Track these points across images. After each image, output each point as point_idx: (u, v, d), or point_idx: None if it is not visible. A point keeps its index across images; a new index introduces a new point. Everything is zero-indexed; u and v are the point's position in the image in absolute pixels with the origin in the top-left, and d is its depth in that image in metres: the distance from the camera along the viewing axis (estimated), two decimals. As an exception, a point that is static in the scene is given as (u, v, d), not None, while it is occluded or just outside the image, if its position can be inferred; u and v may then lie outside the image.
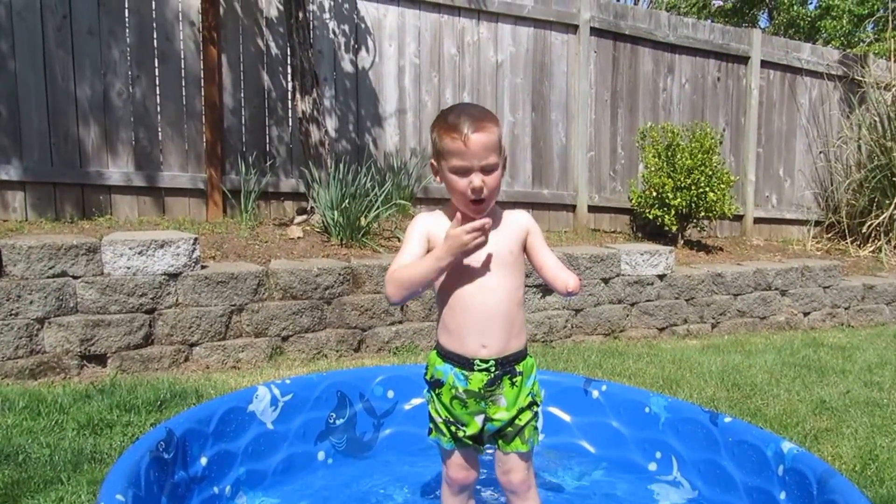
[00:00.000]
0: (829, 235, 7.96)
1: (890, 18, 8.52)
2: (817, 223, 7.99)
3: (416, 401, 2.85)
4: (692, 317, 5.36)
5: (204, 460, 2.24)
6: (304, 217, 5.06)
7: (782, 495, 2.20)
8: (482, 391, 1.93)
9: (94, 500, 2.18)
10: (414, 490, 2.48)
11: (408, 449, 2.76)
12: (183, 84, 5.03)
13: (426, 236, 1.94)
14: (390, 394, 2.85)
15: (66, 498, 2.20)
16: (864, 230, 7.56)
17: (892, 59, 8.04)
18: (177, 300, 3.74)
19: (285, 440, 2.55)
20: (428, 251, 1.92)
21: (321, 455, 2.65)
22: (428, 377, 2.01)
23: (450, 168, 1.85)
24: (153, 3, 4.89)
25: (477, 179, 1.83)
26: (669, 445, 2.65)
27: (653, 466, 2.68)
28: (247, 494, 2.34)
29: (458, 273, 1.90)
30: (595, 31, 6.56)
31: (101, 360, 3.58)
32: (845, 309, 6.08)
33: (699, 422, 2.58)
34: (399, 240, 4.93)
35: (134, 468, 1.85)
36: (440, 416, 1.99)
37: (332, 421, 2.71)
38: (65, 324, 3.48)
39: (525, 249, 2.00)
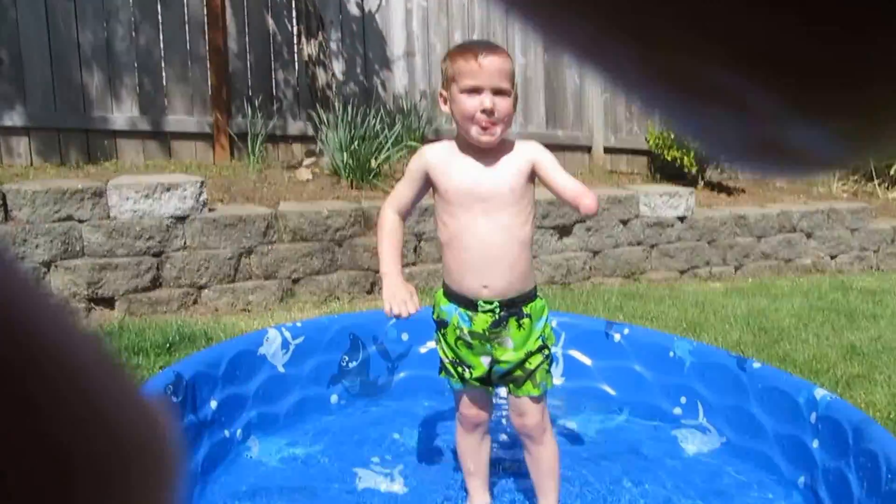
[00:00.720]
0: (856, 177, 7.75)
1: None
2: (843, 164, 7.77)
3: (432, 343, 2.77)
4: (714, 259, 5.25)
5: (214, 404, 2.22)
6: (313, 159, 4.99)
7: (815, 443, 2.14)
8: (487, 332, 1.89)
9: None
10: (428, 432, 2.46)
11: (423, 392, 2.71)
12: (186, 29, 4.92)
13: (423, 173, 1.91)
14: (405, 336, 2.81)
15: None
16: (892, 172, 7.34)
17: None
18: (184, 243, 3.70)
19: (297, 383, 2.53)
20: (426, 186, 1.92)
21: (334, 398, 2.63)
22: (434, 317, 2.00)
23: (461, 88, 1.78)
24: (152, -58, 4.76)
25: (488, 100, 1.76)
26: (695, 390, 2.60)
27: (677, 411, 2.63)
28: (258, 438, 2.32)
29: (455, 212, 1.86)
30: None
31: (108, 302, 3.56)
32: (874, 252, 5.94)
33: (726, 367, 2.53)
34: (411, 182, 4.85)
35: None
36: (447, 357, 1.98)
37: (344, 364, 2.68)
38: (71, 267, 3.45)
39: (539, 179, 1.91)
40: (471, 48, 1.85)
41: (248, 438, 2.29)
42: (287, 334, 2.53)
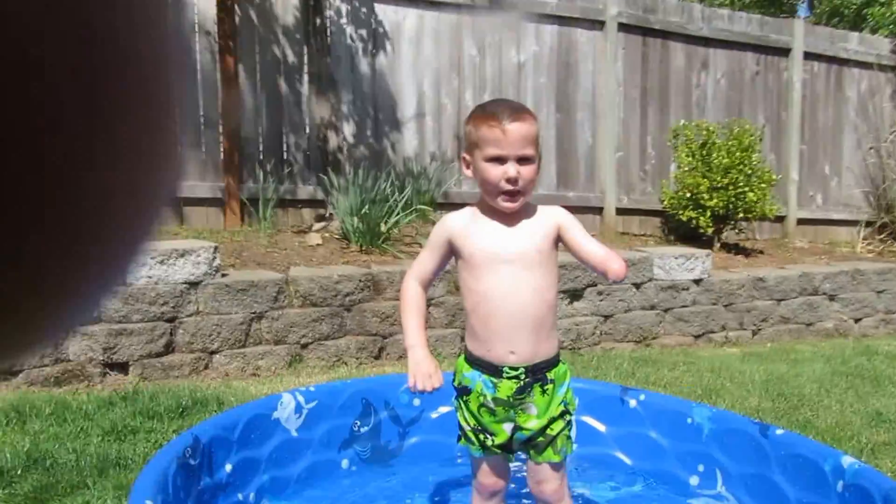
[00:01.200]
0: (882, 236, 7.97)
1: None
2: (868, 224, 7.99)
3: (443, 409, 2.95)
4: (731, 323, 5.46)
5: (229, 467, 2.39)
6: (323, 224, 5.31)
7: None
8: (511, 399, 1.96)
9: None
10: (440, 499, 2.60)
11: (434, 458, 2.87)
12: (200, 94, 5.32)
13: (447, 242, 2.01)
14: (416, 402, 2.96)
15: (93, 502, 2.40)
16: (920, 230, 7.57)
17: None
18: (197, 308, 3.99)
19: (309, 447, 2.70)
20: (449, 255, 2.03)
21: (345, 463, 2.79)
22: (455, 384, 2.07)
23: (484, 157, 1.89)
24: (169, 12, 5.19)
25: (512, 169, 1.86)
26: (713, 458, 2.66)
27: (694, 480, 2.69)
28: (270, 501, 2.49)
29: (481, 276, 1.95)
30: (623, 27, 6.73)
31: (123, 367, 3.83)
32: (901, 314, 6.13)
33: (748, 433, 2.58)
34: (420, 246, 5.13)
35: (162, 474, 2.00)
36: (468, 424, 2.04)
37: (356, 429, 2.84)
38: (88, 333, 3.74)
39: (564, 244, 2.01)
40: (495, 113, 1.90)
41: (260, 502, 2.48)
42: (301, 398, 2.74)
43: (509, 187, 1.87)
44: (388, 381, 3.09)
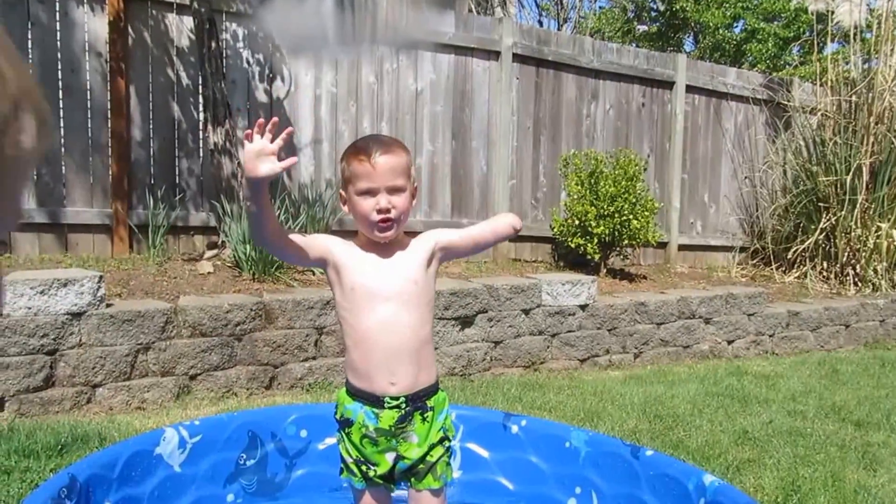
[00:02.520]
0: (755, 262, 8.54)
1: (815, 42, 9.25)
2: (742, 249, 8.56)
3: (331, 440, 2.98)
4: (615, 347, 5.75)
5: None
6: (215, 252, 5.29)
7: None
8: (393, 428, 2.02)
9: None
10: None
11: (321, 489, 2.93)
12: (89, 117, 5.23)
13: (327, 250, 2.05)
14: (303, 433, 3.01)
15: (-37, 545, 2.38)
16: (789, 256, 8.14)
17: (818, 82, 8.75)
18: (80, 340, 3.92)
19: (193, 483, 2.70)
20: (321, 257, 2.06)
21: (230, 497, 2.80)
22: (338, 416, 2.11)
23: (357, 191, 1.99)
24: (58, 34, 5.09)
25: (384, 200, 1.96)
26: (590, 480, 2.80)
27: (572, 502, 2.82)
28: None
29: (361, 313, 2.01)
30: (518, 58, 7.00)
31: (-2, 404, 3.73)
32: (770, 336, 6.54)
33: (620, 455, 2.74)
34: (313, 273, 5.20)
35: None
36: (350, 456, 2.09)
37: (242, 462, 2.86)
38: (-40, 368, 3.63)
39: (454, 252, 2.18)
40: (364, 148, 1.99)
41: (142, 541, 2.50)
42: (185, 433, 2.74)
43: (380, 217, 1.97)
44: (275, 412, 3.13)
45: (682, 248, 8.22)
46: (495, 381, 4.96)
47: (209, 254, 5.28)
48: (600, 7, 16.46)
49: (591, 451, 2.87)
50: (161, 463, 2.65)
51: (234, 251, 4.96)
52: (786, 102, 8.70)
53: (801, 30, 12.86)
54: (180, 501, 2.66)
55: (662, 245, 7.92)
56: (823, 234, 7.94)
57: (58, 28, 5.11)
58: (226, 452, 2.84)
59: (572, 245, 6.63)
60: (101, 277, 4.00)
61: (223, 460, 2.83)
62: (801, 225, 8.24)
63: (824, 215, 7.94)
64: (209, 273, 4.88)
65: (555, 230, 6.83)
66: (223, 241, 5.23)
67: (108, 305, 4.06)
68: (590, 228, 6.43)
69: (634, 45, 13.10)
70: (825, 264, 8.02)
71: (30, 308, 3.80)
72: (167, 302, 4.28)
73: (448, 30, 6.62)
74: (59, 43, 5.11)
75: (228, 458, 2.84)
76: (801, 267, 8.09)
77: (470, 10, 10.58)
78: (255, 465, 2.91)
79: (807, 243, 8.00)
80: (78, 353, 3.91)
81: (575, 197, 6.58)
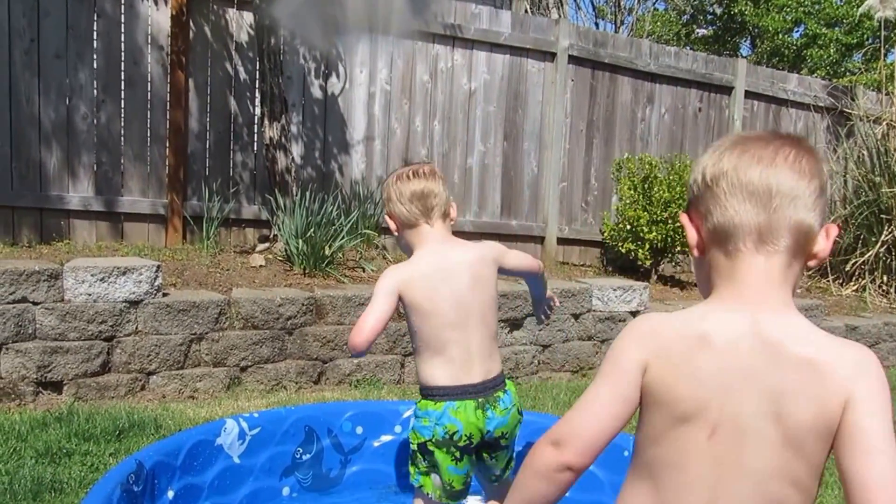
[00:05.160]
0: (810, 273, 8.38)
1: (882, 48, 9.07)
2: (799, 259, 8.38)
3: (386, 437, 3.09)
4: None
5: (171, 493, 2.44)
6: (267, 245, 5.39)
7: None
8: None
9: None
10: None
11: (374, 486, 2.99)
12: (149, 108, 5.38)
13: (395, 293, 2.21)
14: (359, 430, 3.07)
15: (27, 525, 2.48)
16: (847, 268, 7.97)
17: (883, 91, 8.54)
18: (136, 328, 4.05)
19: (251, 474, 2.76)
20: (399, 303, 2.22)
21: (286, 490, 2.86)
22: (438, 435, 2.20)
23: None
24: (122, 27, 5.26)
25: None
26: None
27: None
28: None
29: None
30: (573, 59, 6.99)
31: (57, 387, 3.86)
32: (824, 349, 6.44)
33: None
34: (364, 270, 5.27)
35: (106, 500, 2.05)
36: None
37: (298, 456, 2.92)
38: (22, 350, 3.77)
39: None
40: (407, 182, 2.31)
41: (201, 529, 2.57)
42: (244, 425, 2.81)
43: None
44: (332, 408, 3.18)
45: (735, 256, 8.09)
46: (543, 385, 4.98)
47: (261, 247, 5.39)
48: (656, 8, 16.34)
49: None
50: (221, 453, 2.71)
51: (286, 245, 5.05)
52: (849, 111, 8.52)
53: (865, 36, 12.58)
54: (238, 492, 2.72)
55: (715, 254, 7.80)
56: (884, 247, 7.77)
57: (122, 20, 5.26)
58: (283, 446, 2.90)
59: (623, 250, 6.60)
60: (158, 267, 4.12)
61: (280, 453, 2.89)
62: (862, 237, 8.06)
63: (886, 227, 7.76)
64: (261, 266, 4.98)
65: (605, 234, 6.81)
66: (275, 235, 5.33)
67: (165, 295, 4.18)
68: (641, 234, 6.40)
69: (689, 48, 12.97)
70: (885, 278, 7.84)
71: (90, 295, 3.93)
72: (220, 293, 4.38)
73: (504, 30, 6.64)
74: (122, 35, 5.26)
75: (285, 451, 2.90)
76: (860, 280, 7.92)
77: (526, 11, 10.57)
78: (311, 459, 2.96)
79: (867, 256, 7.82)
80: (134, 340, 4.03)
81: (627, 201, 6.55)
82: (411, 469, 2.28)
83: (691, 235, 1.30)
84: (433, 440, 2.18)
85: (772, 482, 1.17)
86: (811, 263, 1.26)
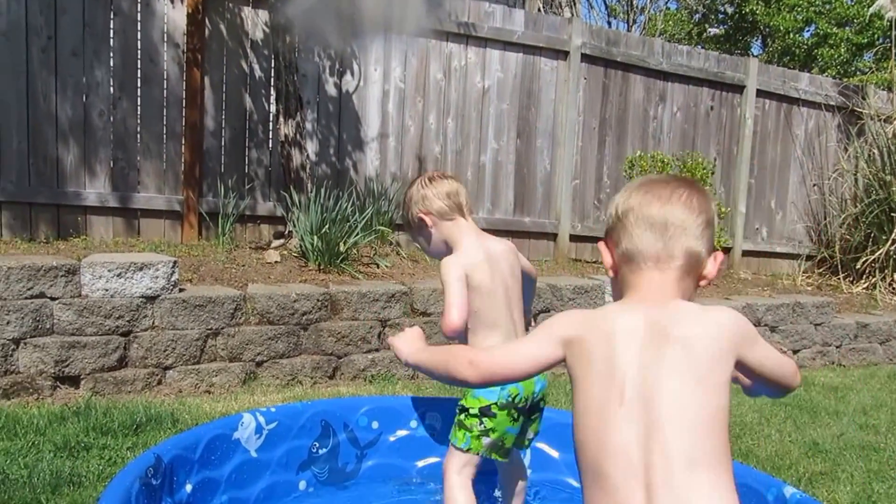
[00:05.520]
0: (821, 270, 8.29)
1: (893, 48, 8.95)
2: (808, 258, 8.31)
3: (401, 432, 3.06)
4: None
5: (189, 487, 2.40)
6: (282, 241, 5.34)
7: None
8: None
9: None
10: None
11: (390, 481, 2.95)
12: (164, 106, 5.34)
13: (464, 277, 2.35)
14: (375, 424, 3.03)
15: (47, 520, 2.44)
16: (857, 266, 7.88)
17: (894, 90, 8.42)
18: (153, 323, 4.00)
19: (268, 468, 2.73)
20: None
21: (302, 484, 2.83)
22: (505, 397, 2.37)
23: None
24: (138, 25, 5.21)
25: None
26: None
27: None
28: None
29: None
30: (586, 58, 6.92)
31: (74, 381, 3.82)
32: (837, 347, 6.34)
33: None
34: (378, 266, 5.22)
35: (125, 494, 2.00)
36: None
37: (315, 450, 2.88)
38: (40, 345, 3.73)
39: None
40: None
41: (218, 523, 2.52)
42: (261, 419, 2.76)
43: None
44: (348, 403, 3.14)
45: (745, 253, 8.03)
46: (556, 381, 4.90)
47: (276, 243, 5.34)
48: (668, 7, 16.27)
49: None
50: (239, 447, 2.67)
51: (301, 241, 5.00)
52: (860, 109, 8.42)
53: (876, 36, 12.45)
54: (255, 486, 2.68)
55: (726, 250, 7.74)
56: (895, 245, 7.67)
57: (138, 18, 5.22)
58: (299, 440, 2.86)
59: (635, 247, 6.51)
60: (175, 262, 4.07)
61: (297, 448, 2.85)
62: (872, 235, 7.97)
63: (896, 225, 7.67)
64: (276, 262, 4.93)
65: (618, 232, 6.72)
66: (290, 231, 5.29)
67: (181, 290, 4.13)
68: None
69: (701, 47, 12.91)
70: (895, 275, 7.75)
71: (107, 290, 3.89)
72: (236, 289, 4.33)
73: (517, 28, 6.58)
74: (139, 33, 5.22)
75: (302, 445, 2.86)
76: (870, 278, 7.83)
77: (539, 10, 10.50)
78: (328, 453, 2.92)
79: (877, 254, 7.74)
80: (151, 335, 3.98)
81: (640, 199, 6.46)
82: (460, 434, 2.42)
83: (606, 259, 1.59)
84: (498, 403, 2.36)
85: (678, 427, 1.37)
86: (702, 283, 1.56)
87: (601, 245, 1.61)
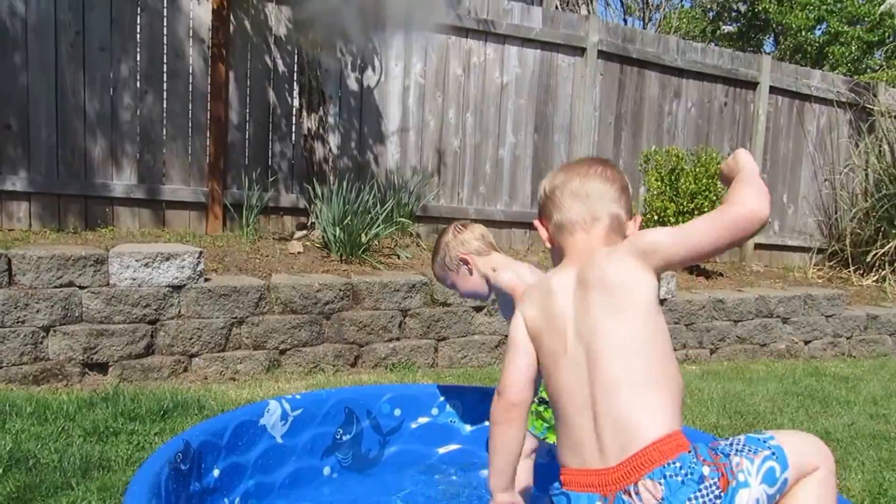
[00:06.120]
0: (831, 264, 8.17)
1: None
2: (819, 251, 8.20)
3: (423, 419, 3.02)
4: (691, 342, 5.56)
5: (217, 472, 2.37)
6: (304, 232, 5.29)
7: None
8: None
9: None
10: None
11: (412, 467, 2.92)
12: (190, 100, 5.29)
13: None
14: (397, 412, 3.00)
15: (77, 503, 2.38)
16: (867, 259, 7.76)
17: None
18: (179, 312, 3.96)
19: (293, 454, 2.69)
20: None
21: (327, 470, 2.80)
22: None
23: None
24: (164, 20, 5.16)
25: None
26: None
27: None
28: None
29: None
30: (602, 55, 6.82)
31: (102, 368, 3.79)
32: (847, 339, 6.28)
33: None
34: (398, 257, 5.15)
35: (155, 478, 1.97)
36: None
37: (339, 437, 2.85)
38: (69, 332, 3.70)
39: None
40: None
41: (245, 508, 2.48)
42: (287, 406, 2.72)
43: None
44: (371, 390, 3.10)
45: (758, 246, 7.91)
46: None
47: (298, 234, 5.29)
48: (682, 5, 16.11)
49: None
50: (265, 434, 2.63)
51: (324, 232, 4.95)
52: (871, 106, 8.29)
53: (886, 34, 12.25)
54: (281, 471, 2.65)
55: (739, 244, 7.63)
56: (905, 239, 7.55)
57: (165, 14, 5.17)
58: (324, 427, 2.82)
59: (650, 240, 6.42)
60: (200, 253, 4.03)
61: (321, 434, 2.81)
62: (882, 229, 7.85)
63: (907, 220, 7.54)
64: (299, 253, 4.88)
65: (633, 224, 6.63)
66: (312, 223, 5.23)
67: (206, 280, 4.09)
68: (668, 224, 6.22)
69: (715, 45, 12.76)
70: (905, 269, 7.64)
71: (134, 279, 3.85)
72: (260, 279, 4.28)
73: (535, 25, 6.49)
74: (165, 28, 5.17)
75: (326, 432, 2.82)
76: (880, 271, 7.71)
77: (557, 7, 10.39)
78: (351, 440, 2.89)
79: (887, 247, 7.63)
80: (177, 323, 3.94)
81: (654, 192, 6.38)
82: (538, 423, 2.47)
83: (543, 234, 1.76)
84: None
85: (629, 355, 1.49)
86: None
87: (536, 223, 1.78)
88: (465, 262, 2.59)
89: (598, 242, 1.64)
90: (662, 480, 1.37)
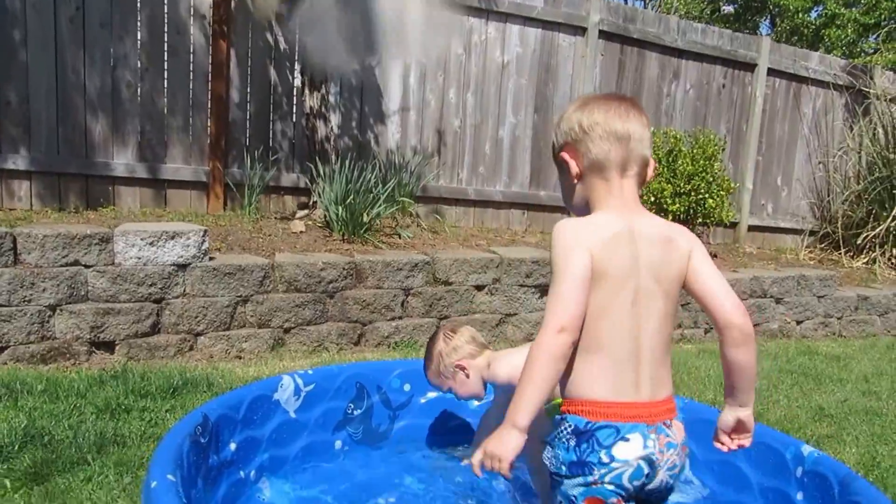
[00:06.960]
0: (823, 245, 8.25)
1: (897, 28, 8.81)
2: (811, 233, 8.27)
3: (432, 394, 3.08)
4: (686, 321, 5.62)
5: (233, 445, 2.43)
6: (306, 212, 5.30)
7: (799, 496, 2.37)
8: None
9: (121, 480, 2.41)
10: (426, 479, 2.69)
11: (421, 440, 3.00)
12: (191, 78, 5.26)
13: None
14: (406, 387, 3.07)
15: (94, 477, 2.42)
16: (858, 241, 7.84)
17: (899, 70, 8.29)
18: (184, 290, 3.98)
19: (306, 428, 2.76)
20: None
21: (338, 444, 2.87)
22: None
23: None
24: (165, -4, 5.11)
25: None
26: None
27: None
28: (269, 479, 2.55)
29: None
30: (603, 34, 6.80)
31: (109, 346, 3.81)
32: (838, 319, 6.36)
33: (713, 422, 2.64)
34: (399, 237, 5.17)
35: (178, 450, 2.01)
36: None
37: (350, 411, 2.92)
38: (76, 311, 3.71)
39: None
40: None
41: (259, 480, 2.53)
42: (299, 381, 2.78)
43: None
44: (381, 366, 3.16)
45: (751, 228, 7.97)
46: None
47: (300, 213, 5.30)
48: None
49: (686, 416, 2.83)
50: (279, 408, 2.69)
51: (326, 211, 4.96)
52: (866, 89, 8.32)
53: (882, 17, 12.26)
54: (294, 445, 2.71)
55: (733, 225, 7.70)
56: (895, 221, 7.62)
57: (165, -10, 5.12)
58: (335, 402, 2.88)
59: (647, 221, 6.46)
60: (205, 232, 4.04)
61: (333, 409, 2.87)
62: (874, 211, 7.92)
63: (898, 203, 7.61)
64: (301, 232, 4.89)
65: (631, 206, 6.67)
66: (314, 202, 5.24)
67: (211, 259, 4.10)
68: (665, 205, 6.27)
69: (708, 24, 12.75)
70: (895, 251, 7.72)
71: (139, 258, 3.86)
72: (264, 258, 4.30)
73: (537, 4, 6.46)
74: (166, 5, 5.13)
75: (338, 407, 2.88)
76: (871, 253, 7.79)
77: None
78: (362, 414, 2.95)
79: (878, 230, 7.70)
80: (182, 302, 3.96)
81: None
82: None
83: (573, 167, 1.73)
84: None
85: (663, 320, 1.68)
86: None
87: (565, 154, 1.74)
88: (462, 368, 2.60)
89: (633, 190, 1.71)
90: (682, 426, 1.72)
